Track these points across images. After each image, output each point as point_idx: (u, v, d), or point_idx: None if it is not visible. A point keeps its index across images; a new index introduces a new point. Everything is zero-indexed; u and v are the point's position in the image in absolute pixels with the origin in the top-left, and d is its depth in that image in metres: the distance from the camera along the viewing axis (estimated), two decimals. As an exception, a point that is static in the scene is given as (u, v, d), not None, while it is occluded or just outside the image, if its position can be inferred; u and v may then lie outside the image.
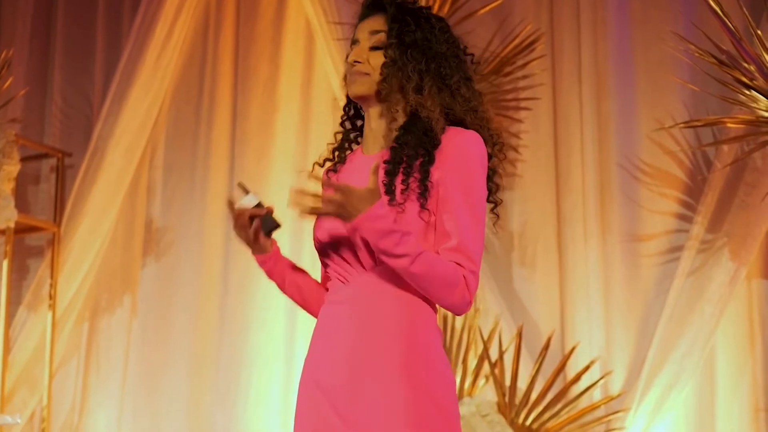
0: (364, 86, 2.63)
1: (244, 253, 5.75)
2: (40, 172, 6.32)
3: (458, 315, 2.61)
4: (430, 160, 2.55)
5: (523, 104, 5.47)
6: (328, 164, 2.80)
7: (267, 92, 5.94)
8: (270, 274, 2.78)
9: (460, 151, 2.56)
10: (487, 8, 5.50)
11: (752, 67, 4.67)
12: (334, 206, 2.44)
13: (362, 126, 2.77)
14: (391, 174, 2.56)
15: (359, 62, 2.63)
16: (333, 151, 2.80)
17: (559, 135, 5.43)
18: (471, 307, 2.60)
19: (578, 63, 5.42)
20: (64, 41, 6.41)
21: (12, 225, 5.69)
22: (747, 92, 4.71)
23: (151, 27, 6.01)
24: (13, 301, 5.94)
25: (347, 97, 2.75)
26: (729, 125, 4.92)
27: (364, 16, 2.70)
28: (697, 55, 4.79)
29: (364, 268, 2.57)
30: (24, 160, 5.88)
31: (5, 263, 5.85)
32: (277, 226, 2.71)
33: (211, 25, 6.16)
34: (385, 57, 2.62)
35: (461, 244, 2.50)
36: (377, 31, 2.65)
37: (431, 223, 2.54)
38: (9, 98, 5.83)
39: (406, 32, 2.62)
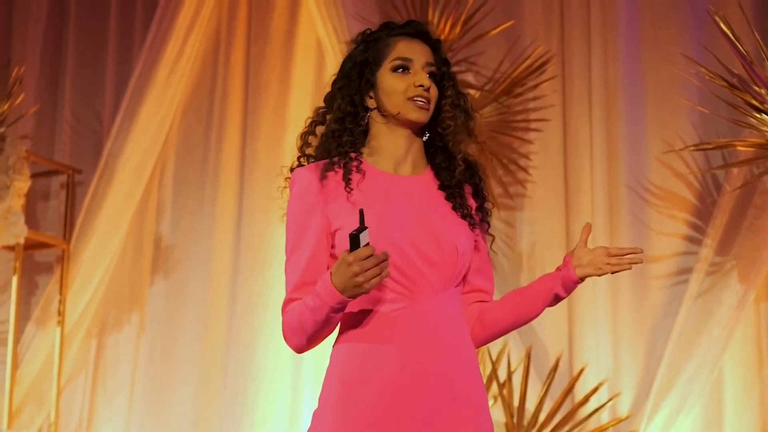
0: (429, 115, 2.66)
1: (252, 272, 5.82)
2: (50, 189, 6.32)
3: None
4: (483, 188, 2.71)
5: (533, 125, 5.48)
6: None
7: (277, 111, 5.94)
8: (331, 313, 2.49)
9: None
10: (498, 29, 5.52)
11: (763, 91, 4.67)
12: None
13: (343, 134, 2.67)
14: (455, 198, 2.67)
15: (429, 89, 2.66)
16: (346, 171, 2.60)
17: (569, 156, 5.43)
18: None
19: (588, 84, 5.42)
20: (75, 58, 6.42)
21: (21, 241, 5.69)
22: (757, 115, 4.72)
23: (162, 45, 6.02)
24: (22, 317, 5.95)
25: (354, 107, 2.66)
26: (739, 148, 4.92)
27: (407, 33, 2.69)
28: (707, 77, 4.79)
29: (434, 288, 2.57)
30: (34, 176, 5.88)
31: (14, 279, 5.86)
32: None
33: (222, 44, 6.17)
34: (448, 95, 2.67)
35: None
36: (431, 64, 2.67)
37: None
38: (20, 115, 5.86)
39: (454, 75, 2.73)
